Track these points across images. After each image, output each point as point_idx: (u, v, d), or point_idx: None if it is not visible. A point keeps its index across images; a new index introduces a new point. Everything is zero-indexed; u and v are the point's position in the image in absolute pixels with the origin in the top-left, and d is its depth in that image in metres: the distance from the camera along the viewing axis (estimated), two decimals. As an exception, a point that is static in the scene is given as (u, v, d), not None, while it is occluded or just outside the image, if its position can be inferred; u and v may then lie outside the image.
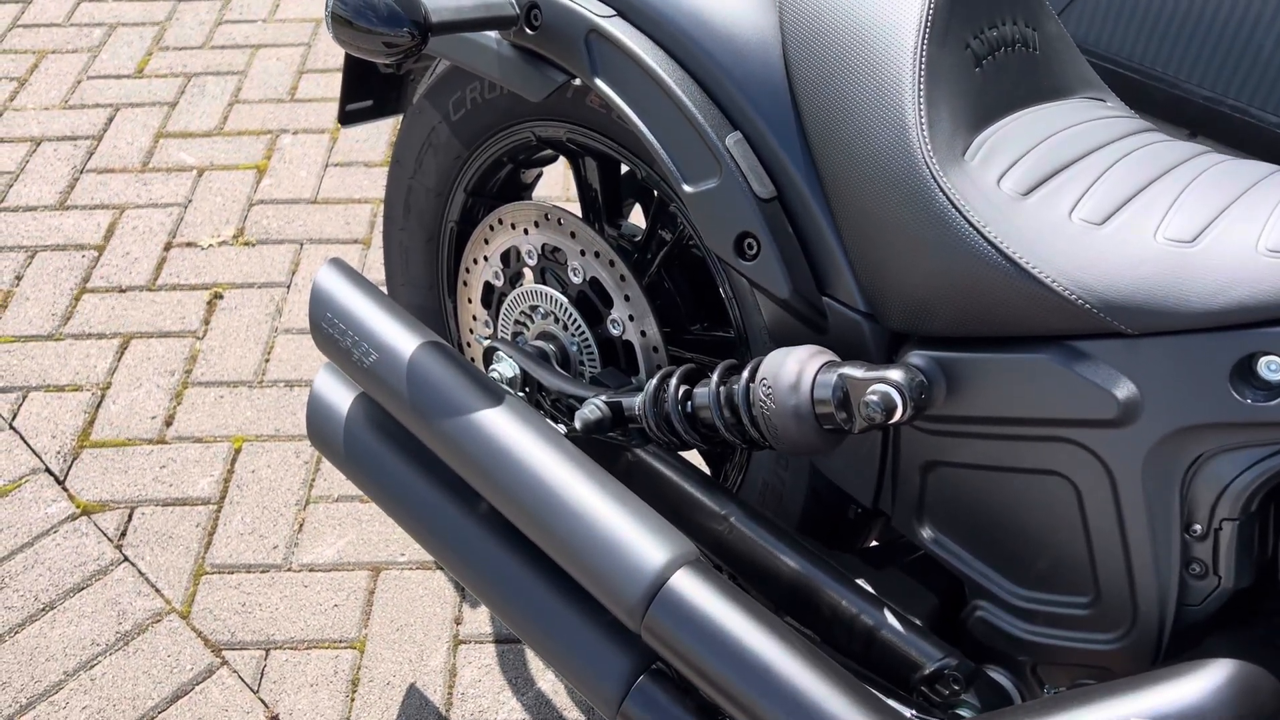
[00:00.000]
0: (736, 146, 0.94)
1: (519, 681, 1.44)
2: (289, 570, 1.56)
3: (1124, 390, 0.78)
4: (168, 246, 2.07)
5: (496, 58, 1.11)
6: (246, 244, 2.08)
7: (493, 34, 1.12)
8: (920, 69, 0.85)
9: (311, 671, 1.45)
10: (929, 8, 0.87)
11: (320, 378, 1.28)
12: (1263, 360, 0.74)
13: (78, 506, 1.64)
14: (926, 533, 0.97)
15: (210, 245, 2.07)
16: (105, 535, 1.60)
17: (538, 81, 1.08)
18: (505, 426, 1.06)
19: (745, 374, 0.94)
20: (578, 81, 1.08)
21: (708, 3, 0.98)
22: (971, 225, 0.81)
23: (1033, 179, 0.83)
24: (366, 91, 1.43)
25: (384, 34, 0.99)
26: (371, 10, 0.98)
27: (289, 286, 2.00)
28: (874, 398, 0.84)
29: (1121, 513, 0.83)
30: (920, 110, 0.84)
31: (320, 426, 1.26)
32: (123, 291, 1.98)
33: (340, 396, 1.26)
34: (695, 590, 0.93)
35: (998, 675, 0.95)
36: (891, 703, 0.88)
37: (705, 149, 0.95)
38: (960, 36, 0.88)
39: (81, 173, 2.23)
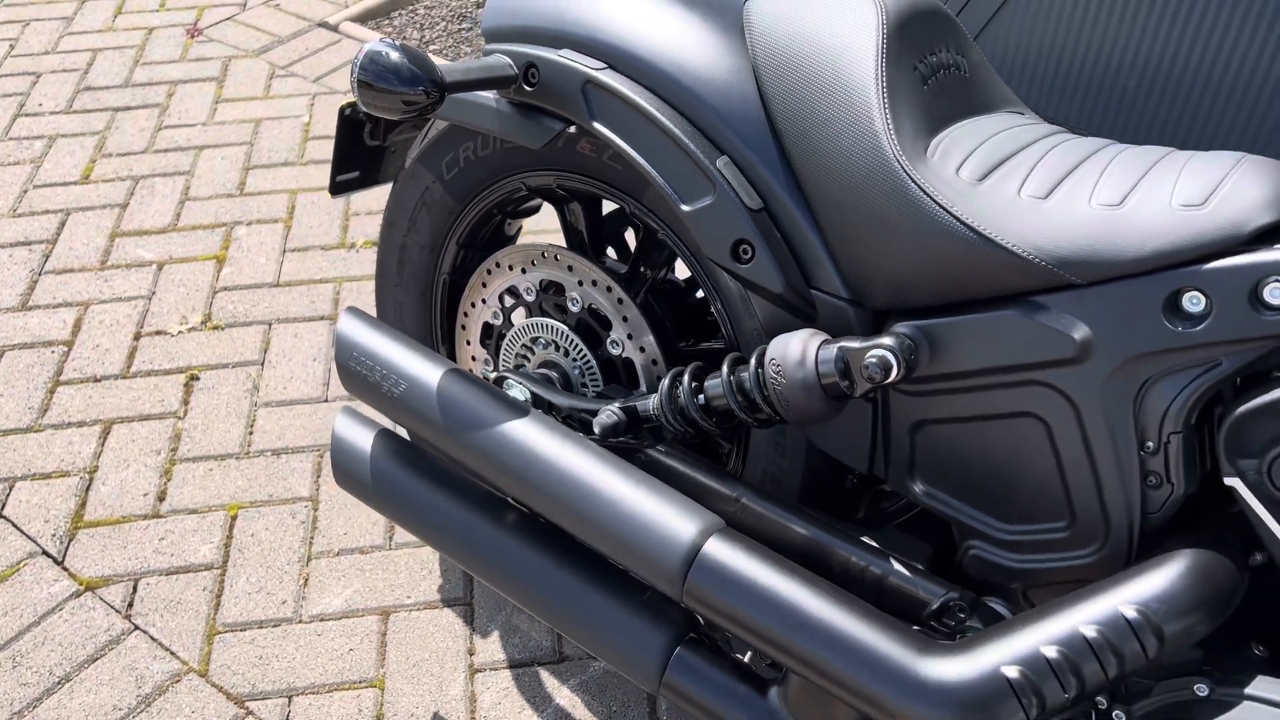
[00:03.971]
0: (726, 168, 1.10)
1: (537, 700, 1.52)
2: (300, 622, 1.62)
3: (1079, 332, 0.95)
4: (137, 336, 2.13)
5: (496, 114, 1.26)
6: (216, 328, 2.15)
7: (491, 94, 1.26)
8: (883, 86, 1.02)
9: (336, 712, 1.50)
10: (883, 38, 1.04)
11: (340, 423, 1.37)
12: (1185, 295, 0.91)
13: (80, 583, 1.67)
14: (919, 487, 1.11)
15: (180, 332, 2.14)
16: (112, 607, 1.64)
17: (537, 131, 1.22)
18: (535, 434, 1.17)
19: (753, 360, 1.08)
20: (572, 129, 1.23)
21: (687, 51, 1.14)
22: (941, 207, 0.97)
23: (984, 168, 1.00)
24: (354, 164, 1.55)
25: (404, 93, 1.12)
26: (394, 74, 1.12)
27: (263, 364, 2.07)
28: (873, 360, 0.99)
29: (1088, 440, 0.98)
30: (887, 119, 1.01)
31: (347, 467, 1.35)
32: (97, 381, 2.03)
33: (362, 436, 1.36)
34: (728, 553, 1.05)
35: (995, 604, 1.08)
36: (914, 629, 1.01)
37: (699, 172, 1.10)
38: (909, 61, 1.06)
39: (40, 274, 2.29)
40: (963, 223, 0.97)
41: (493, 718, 1.50)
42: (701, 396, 1.14)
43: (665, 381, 1.17)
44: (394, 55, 1.11)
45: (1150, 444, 0.96)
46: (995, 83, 1.18)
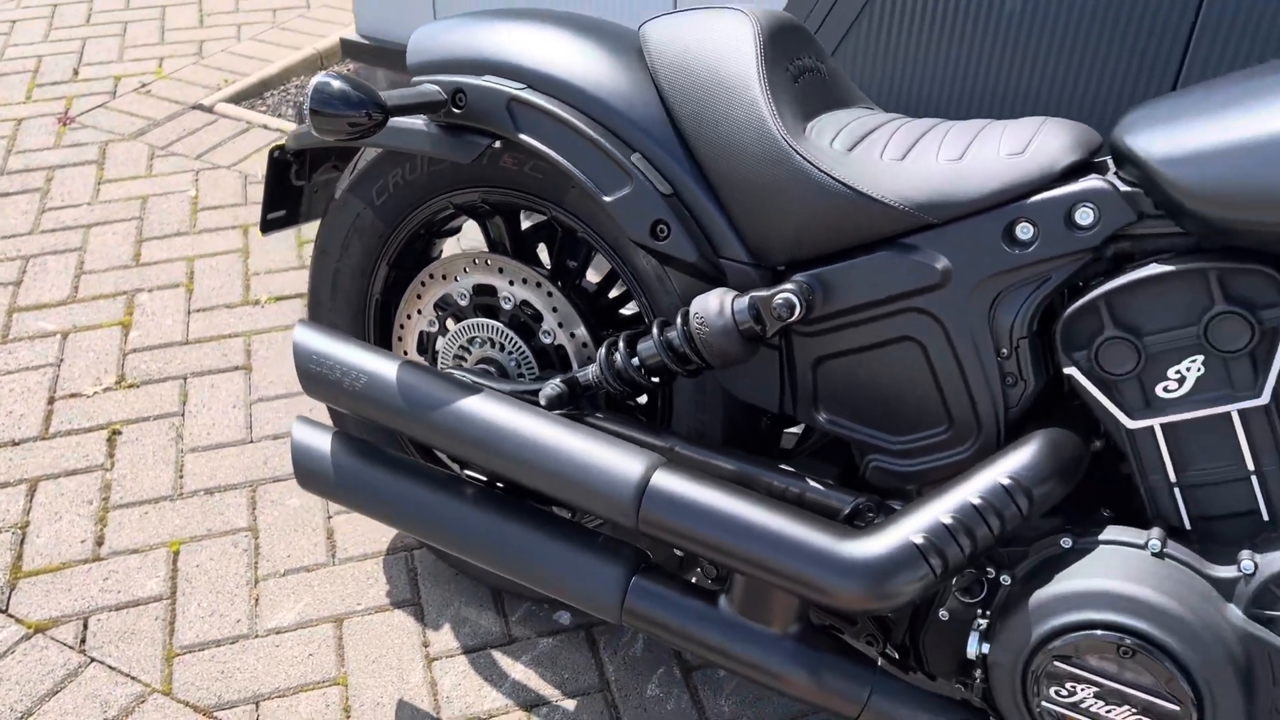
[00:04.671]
0: (639, 162, 1.30)
1: (494, 677, 1.64)
2: (257, 637, 1.70)
3: (940, 263, 1.18)
4: (51, 400, 2.17)
5: (428, 136, 1.43)
6: (131, 386, 2.21)
7: (421, 119, 1.43)
8: (764, 83, 1.25)
9: (305, 711, 1.59)
10: (759, 47, 1.27)
11: (296, 430, 1.50)
12: (1018, 225, 1.15)
13: (28, 627, 1.71)
14: (822, 416, 1.32)
15: (95, 393, 2.19)
16: (65, 644, 1.68)
17: (467, 147, 1.40)
18: (493, 406, 1.33)
19: (679, 319, 1.28)
20: (498, 144, 1.41)
21: (594, 70, 1.35)
22: (823, 172, 1.20)
23: (851, 141, 1.23)
24: (282, 204, 1.69)
25: (350, 116, 1.28)
26: (341, 100, 1.28)
27: (183, 414, 2.15)
28: (780, 302, 1.20)
29: (956, 353, 1.21)
30: (772, 108, 1.23)
31: (309, 468, 1.47)
32: (16, 445, 2.07)
33: (319, 438, 1.48)
34: (673, 482, 1.23)
35: (895, 505, 1.29)
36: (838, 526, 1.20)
37: (616, 167, 1.30)
38: (781, 64, 1.29)
39: (-61, 352, 2.30)
40: (841, 183, 1.19)
41: (454, 698, 1.61)
42: (636, 359, 1.32)
43: (602, 351, 1.35)
44: (340, 84, 1.27)
45: (1004, 350, 1.19)
46: (848, 83, 1.43)
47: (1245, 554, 1.10)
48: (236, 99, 3.40)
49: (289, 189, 1.68)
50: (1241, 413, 1.09)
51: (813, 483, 1.30)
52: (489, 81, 1.37)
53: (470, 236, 2.58)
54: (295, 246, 2.68)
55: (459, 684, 1.63)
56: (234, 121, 3.24)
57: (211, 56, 3.64)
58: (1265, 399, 1.08)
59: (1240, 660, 1.08)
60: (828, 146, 1.23)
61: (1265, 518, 1.12)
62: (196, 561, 1.83)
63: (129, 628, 1.71)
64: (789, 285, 1.21)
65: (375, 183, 1.57)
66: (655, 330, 1.30)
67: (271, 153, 1.63)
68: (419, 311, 1.62)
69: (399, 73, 3.30)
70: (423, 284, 1.60)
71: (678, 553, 1.48)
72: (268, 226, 1.69)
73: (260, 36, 3.79)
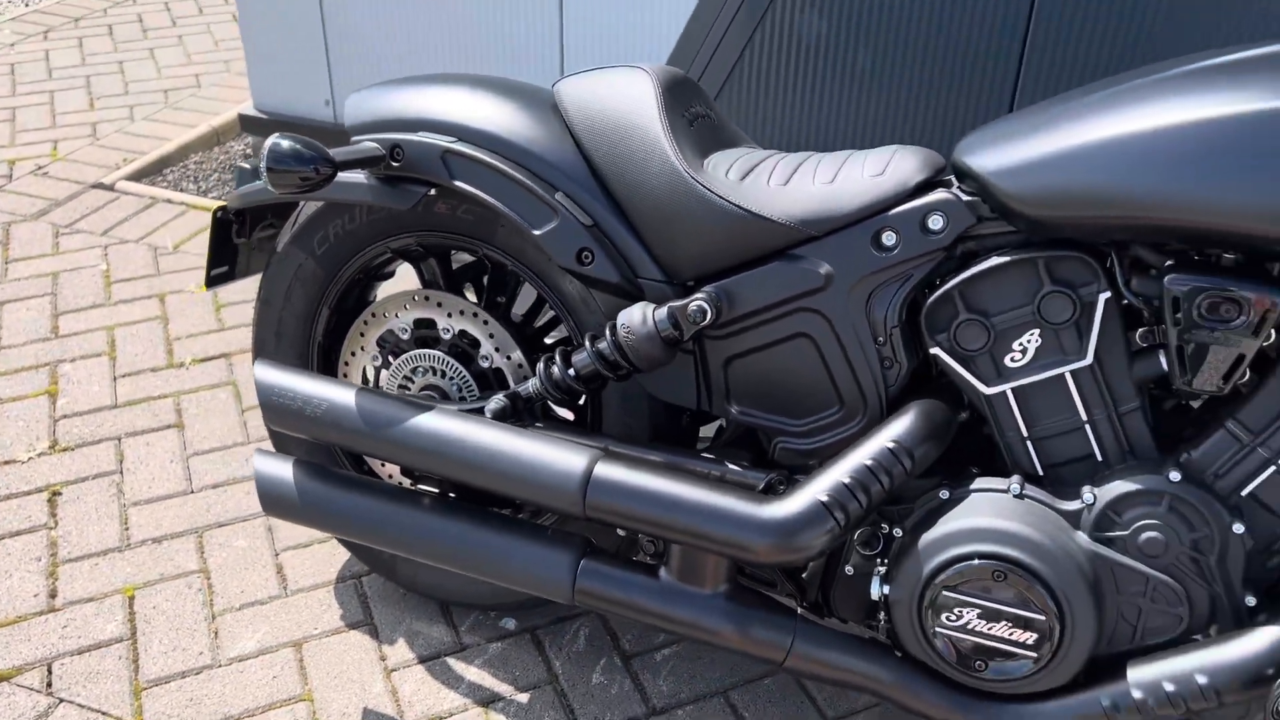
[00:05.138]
0: (562, 199, 1.50)
1: (451, 680, 1.78)
2: (221, 666, 1.80)
3: (823, 268, 1.41)
4: (-15, 469, 2.23)
5: (369, 188, 1.60)
6: (65, 450, 2.29)
7: (362, 174, 1.61)
8: (667, 128, 1.47)
9: (274, 726, 1.70)
10: (659, 97, 1.50)
11: (258, 460, 1.64)
12: (883, 233, 1.39)
13: (-8, 678, 1.77)
14: (734, 408, 1.53)
15: (30, 458, 2.26)
16: (32, 689, 1.75)
17: (406, 196, 1.58)
18: (445, 420, 1.50)
19: (608, 332, 1.47)
20: (433, 192, 1.59)
21: (517, 124, 1.55)
22: (722, 199, 1.42)
23: (743, 172, 1.46)
24: (224, 261, 1.84)
25: (301, 171, 1.45)
26: (293, 158, 1.45)
27: (121, 472, 2.23)
28: (694, 309, 1.41)
29: (842, 344, 1.44)
30: (675, 148, 1.45)
31: (273, 495, 1.61)
32: (-45, 512, 2.12)
33: (280, 467, 1.63)
34: (613, 470, 1.42)
35: (800, 478, 1.50)
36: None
37: (543, 205, 1.50)
38: (678, 111, 1.52)
39: None
40: (738, 206, 1.42)
41: (415, 702, 1.75)
42: (572, 370, 1.51)
43: (540, 366, 1.54)
44: (290, 144, 1.44)
45: (880, 338, 1.43)
46: (733, 126, 1.67)
47: (1086, 489, 1.35)
48: (137, 176, 3.48)
49: (230, 247, 1.83)
50: (1073, 373, 1.35)
51: (731, 465, 1.50)
52: (423, 137, 1.56)
53: (400, 279, 2.74)
54: (213, 310, 2.78)
55: (418, 689, 1.77)
56: (137, 198, 3.33)
57: (106, 137, 3.72)
58: (1089, 360, 1.33)
59: (1089, 574, 1.32)
60: (724, 177, 1.46)
61: (1099, 459, 1.37)
62: (153, 604, 1.92)
63: (94, 669, 1.79)
64: (700, 295, 1.43)
65: (316, 234, 1.74)
66: (588, 343, 1.50)
67: (215, 213, 1.77)
68: (362, 349, 1.78)
69: (298, 144, 3.44)
70: (365, 323, 1.76)
71: (621, 533, 1.65)
72: (211, 282, 1.83)
73: (154, 116, 3.88)
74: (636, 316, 1.45)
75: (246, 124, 3.46)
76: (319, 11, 3.19)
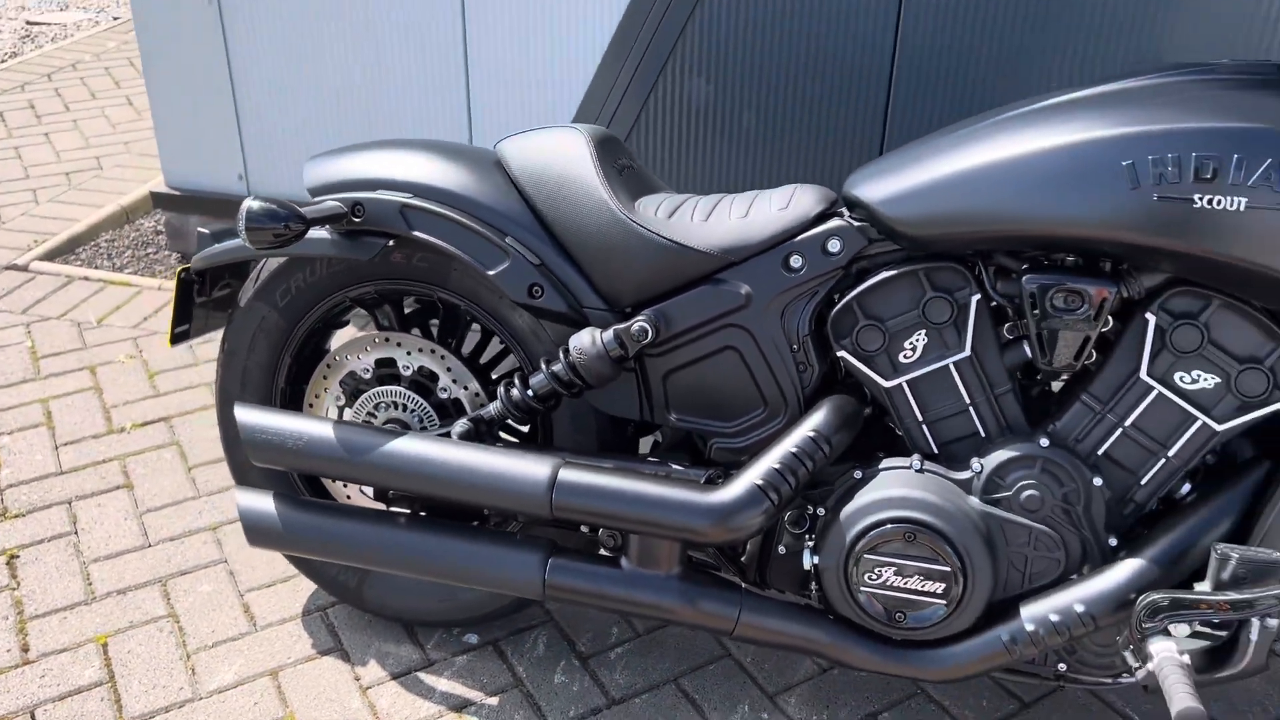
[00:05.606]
0: (512, 242, 1.72)
1: (424, 692, 1.93)
2: (202, 699, 1.91)
3: (744, 289, 1.65)
4: (-64, 539, 2.28)
5: (333, 243, 1.78)
6: (17, 516, 2.35)
7: (325, 229, 1.79)
8: (602, 177, 1.70)
9: (262, 747, 1.81)
10: (593, 152, 1.73)
11: (240, 496, 1.78)
12: (791, 257, 1.65)
13: (-24, 729, 1.84)
14: (674, 416, 1.75)
15: (-19, 526, 2.32)
16: (18, 736, 1.83)
17: (368, 248, 1.77)
18: (418, 443, 1.68)
19: (561, 355, 1.68)
20: (392, 243, 1.78)
21: (466, 180, 1.76)
22: (654, 234, 1.66)
23: (669, 211, 1.70)
24: (187, 319, 1.98)
25: (276, 228, 1.63)
26: (269, 216, 1.63)
27: (76, 533, 2.31)
28: (636, 330, 1.63)
29: (764, 354, 1.68)
30: (610, 194, 1.69)
31: (258, 527, 1.76)
32: (-89, 582, 2.17)
33: (261, 501, 1.78)
34: (575, 474, 1.62)
35: (734, 472, 1.73)
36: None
37: (496, 248, 1.71)
38: (609, 163, 1.76)
39: None
40: (669, 240, 1.66)
41: (393, 713, 1.89)
42: (530, 391, 1.72)
43: (501, 390, 1.74)
44: (263, 205, 1.62)
45: (795, 346, 1.67)
46: (653, 176, 1.91)
47: (974, 460, 1.61)
48: (49, 256, 3.54)
49: (193, 305, 1.98)
50: (955, 364, 1.61)
51: (674, 466, 1.72)
52: (382, 194, 1.76)
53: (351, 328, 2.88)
54: (147, 378, 2.88)
55: (395, 702, 1.91)
56: (53, 277, 3.39)
57: (12, 220, 3.77)
58: (968, 352, 1.60)
59: (983, 530, 1.58)
60: (654, 216, 1.69)
61: (983, 434, 1.63)
62: (127, 648, 2.01)
63: (76, 712, 1.88)
64: (641, 318, 1.65)
65: (279, 287, 1.90)
66: (544, 366, 1.71)
67: (179, 274, 1.92)
68: (326, 390, 1.94)
69: (212, 219, 3.57)
70: (329, 366, 1.92)
71: (584, 529, 1.84)
72: (176, 339, 1.97)
73: (59, 198, 3.94)
74: (586, 339, 1.66)
75: (159, 200, 3.57)
76: (229, 86, 3.34)
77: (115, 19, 6.25)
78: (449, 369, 1.86)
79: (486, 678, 1.97)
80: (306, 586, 2.17)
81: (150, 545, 2.28)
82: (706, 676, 1.98)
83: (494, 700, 1.92)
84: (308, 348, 1.98)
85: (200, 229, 1.94)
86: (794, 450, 1.59)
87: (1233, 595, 1.44)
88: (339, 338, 2.02)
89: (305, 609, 2.12)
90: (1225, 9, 2.32)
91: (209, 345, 3.04)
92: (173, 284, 3.40)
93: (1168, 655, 1.45)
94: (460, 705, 1.91)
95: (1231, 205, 1.37)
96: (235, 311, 1.96)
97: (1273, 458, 1.56)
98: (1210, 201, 1.38)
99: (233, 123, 3.39)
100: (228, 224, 3.13)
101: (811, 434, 1.60)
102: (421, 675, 1.97)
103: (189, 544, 2.28)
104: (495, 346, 1.97)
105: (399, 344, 1.88)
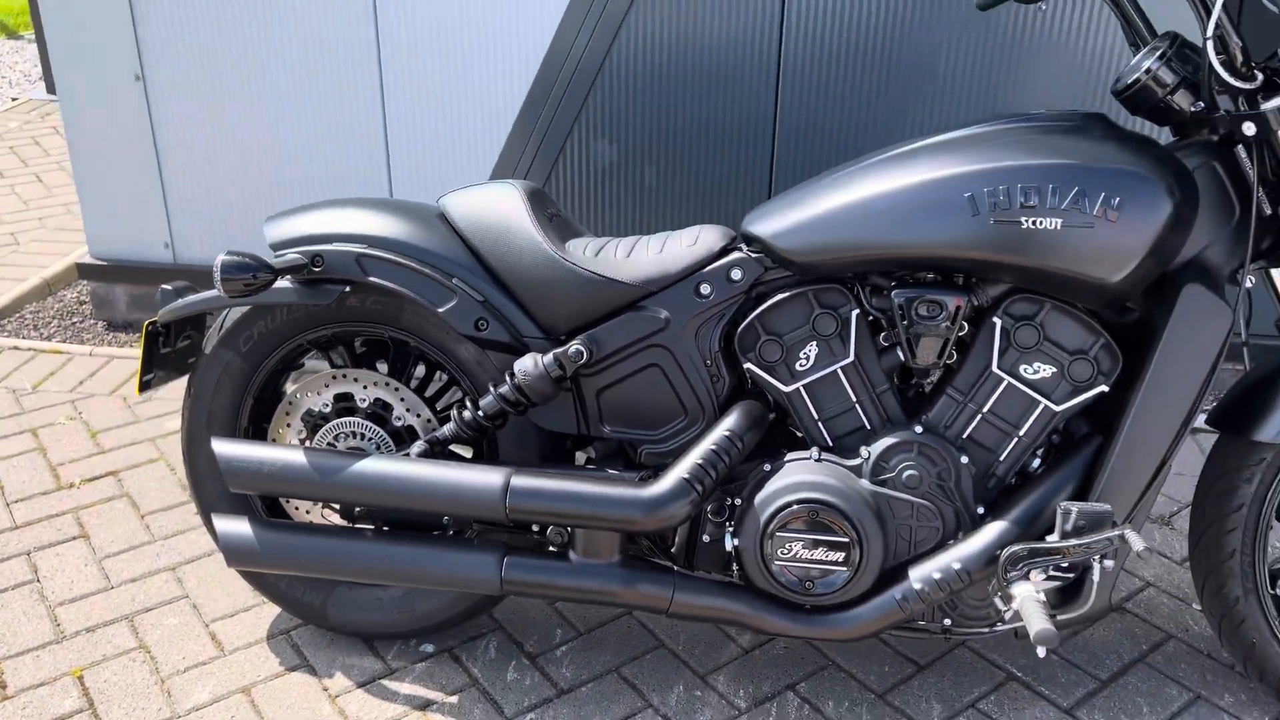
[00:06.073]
0: (459, 283, 1.96)
1: (388, 696, 2.12)
2: (181, 717, 2.06)
3: (663, 314, 1.93)
4: (-102, 595, 2.37)
5: (295, 291, 2.00)
6: (-24, 569, 2.46)
7: (286, 279, 2.01)
8: (536, 224, 1.97)
9: (243, 753, 1.97)
10: (527, 203, 2.00)
11: (217, 522, 1.97)
12: (700, 285, 1.93)
13: (-35, 759, 1.95)
14: (607, 429, 2.00)
15: (-58, 580, 2.42)
16: (8, 762, 1.95)
17: (326, 294, 1.99)
18: (381, 462, 1.90)
19: (507, 378, 1.93)
20: (348, 289, 2.01)
21: (412, 230, 2.00)
22: (585, 269, 1.93)
23: (596, 250, 1.98)
24: (153, 368, 2.16)
25: (245, 278, 1.85)
26: (241, 268, 1.85)
27: (38, 580, 2.43)
28: (572, 353, 1.90)
29: (682, 369, 1.95)
30: (545, 238, 1.95)
31: (237, 550, 1.94)
32: (-121, 634, 2.26)
33: (238, 525, 1.96)
34: (525, 480, 1.87)
35: (663, 471, 1.99)
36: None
37: (444, 289, 1.96)
38: (540, 212, 2.03)
39: None
40: (598, 275, 1.93)
41: (362, 715, 2.07)
42: (481, 412, 1.95)
43: (454, 412, 1.97)
44: (237, 257, 1.84)
45: (708, 360, 1.95)
46: (576, 223, 2.19)
47: (863, 449, 1.91)
48: (-25, 328, 3.62)
49: (159, 354, 2.16)
50: (842, 369, 1.91)
51: (610, 471, 1.98)
52: (338, 246, 1.99)
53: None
54: (88, 437, 3.00)
55: (363, 706, 2.09)
56: (-19, 347, 3.48)
57: (-68, 296, 3.83)
58: (851, 358, 1.90)
59: (874, 507, 1.87)
60: (584, 255, 1.97)
61: (868, 427, 1.93)
62: (103, 678, 2.15)
63: (62, 737, 2.01)
64: (576, 342, 1.91)
65: (242, 334, 2.10)
66: (492, 389, 1.95)
67: (146, 326, 2.11)
68: (288, 426, 2.14)
69: (138, 286, 3.71)
70: (290, 403, 2.13)
71: (535, 529, 2.07)
72: (144, 387, 2.14)
73: (-23, 273, 4.02)
74: (529, 363, 1.91)
75: (85, 271, 3.70)
76: (154, 158, 3.51)
77: (14, 99, 6.31)
78: (402, 399, 2.09)
79: (445, 680, 2.17)
80: (269, 613, 2.34)
81: (113, 587, 2.41)
82: (644, 664, 2.22)
83: (454, 699, 2.12)
84: (268, 389, 2.18)
85: (164, 286, 2.14)
86: (713, 448, 1.86)
87: (1074, 541, 1.75)
88: (293, 380, 2.23)
89: (270, 633, 2.29)
90: (1058, 68, 2.74)
91: (148, 404, 3.18)
92: (115, 347, 3.52)
93: (1027, 594, 1.76)
94: (423, 705, 2.10)
95: (1051, 225, 1.71)
96: (200, 358, 2.15)
97: (1103, 432, 1.89)
98: (1035, 223, 1.71)
99: (158, 193, 3.55)
100: (158, 287, 3.29)
101: (726, 434, 1.88)
102: (385, 682, 2.16)
103: (150, 583, 2.43)
104: (439, 380, 2.20)
105: (355, 379, 2.09)
